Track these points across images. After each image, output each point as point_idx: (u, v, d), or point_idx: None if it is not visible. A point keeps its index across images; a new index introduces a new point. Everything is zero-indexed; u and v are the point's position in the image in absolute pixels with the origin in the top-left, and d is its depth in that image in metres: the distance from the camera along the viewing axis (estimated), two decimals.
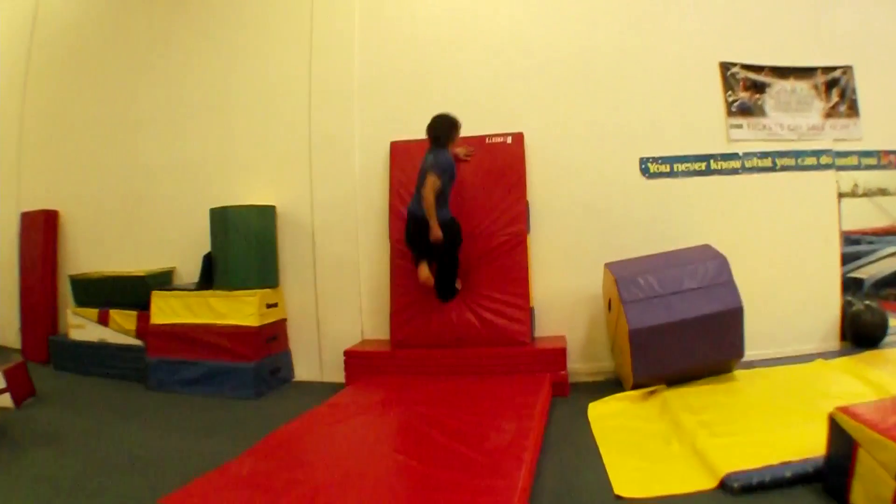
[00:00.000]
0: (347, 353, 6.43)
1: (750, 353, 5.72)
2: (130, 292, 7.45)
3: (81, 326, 7.81)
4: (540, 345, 6.22)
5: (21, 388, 6.43)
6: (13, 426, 5.63)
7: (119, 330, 7.52)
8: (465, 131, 6.47)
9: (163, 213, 7.93)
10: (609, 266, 6.03)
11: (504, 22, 6.99)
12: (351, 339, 6.89)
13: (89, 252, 8.42)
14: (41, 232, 8.43)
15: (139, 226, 8.10)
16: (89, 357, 7.74)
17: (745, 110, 6.70)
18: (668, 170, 6.66)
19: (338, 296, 7.10)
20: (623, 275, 5.67)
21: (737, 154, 6.67)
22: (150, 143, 8.03)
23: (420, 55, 7.07)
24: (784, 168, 6.69)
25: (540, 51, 6.87)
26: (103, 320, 7.64)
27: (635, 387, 5.49)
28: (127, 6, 8.33)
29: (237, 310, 6.71)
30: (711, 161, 6.67)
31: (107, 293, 7.70)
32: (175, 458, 4.67)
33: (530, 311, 6.38)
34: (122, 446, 5.01)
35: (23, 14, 8.99)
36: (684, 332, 5.29)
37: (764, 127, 6.72)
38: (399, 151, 6.93)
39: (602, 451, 4.36)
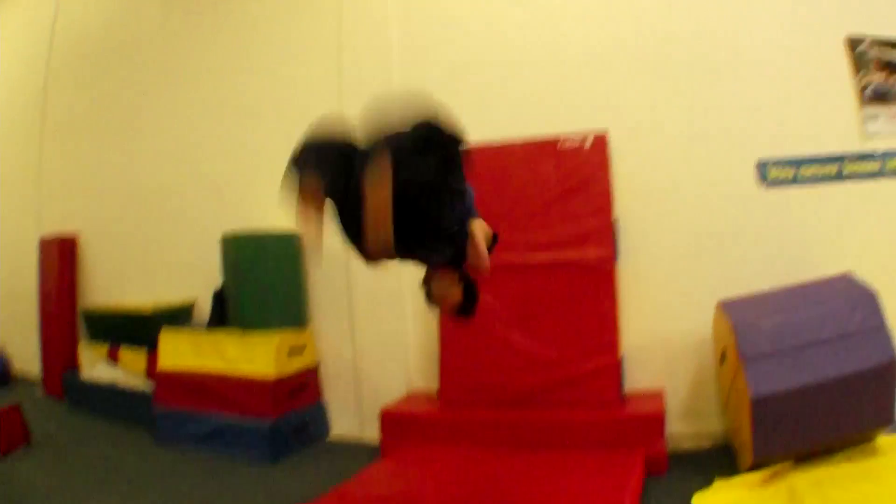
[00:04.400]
0: (385, 415, 4.74)
1: None
2: (141, 329, 5.92)
3: (93, 364, 6.38)
4: (631, 408, 4.48)
5: (10, 437, 5.20)
6: None
7: (129, 370, 6.02)
8: (531, 131, 4.89)
9: (186, 237, 6.48)
10: (723, 306, 4.32)
11: None
12: (395, 390, 5.23)
13: (109, 281, 7.08)
14: (58, 259, 7.10)
15: (161, 252, 6.70)
16: (100, 398, 6.30)
17: (881, 96, 4.92)
18: (792, 175, 4.87)
19: (379, 337, 5.44)
20: (742, 319, 4.05)
21: (873, 154, 4.83)
22: (169, 161, 6.69)
23: (475, 30, 5.40)
24: None
25: (628, 30, 5.10)
26: (113, 358, 6.18)
27: (754, 466, 3.93)
28: (146, 20, 7.04)
29: (251, 356, 5.07)
30: (844, 163, 4.84)
31: (118, 329, 6.22)
32: None
33: (619, 362, 4.57)
34: None
35: (40, 36, 7.88)
36: (821, 398, 3.79)
37: None
38: None
39: None
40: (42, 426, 5.72)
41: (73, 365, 6.89)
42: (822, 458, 3.87)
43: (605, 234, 4.67)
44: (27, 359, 7.73)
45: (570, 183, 4.77)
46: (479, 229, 2.87)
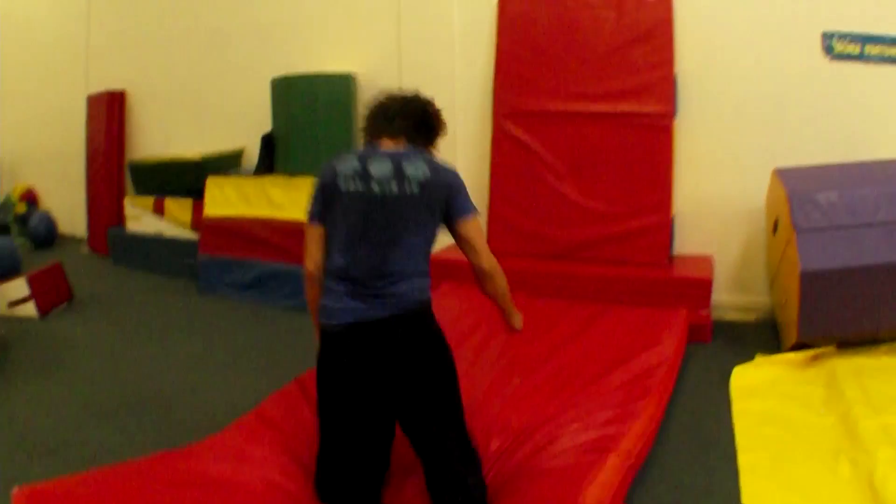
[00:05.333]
0: (432, 260, 4.57)
1: None
2: (188, 179, 5.85)
3: (137, 217, 6.35)
4: (679, 270, 4.35)
5: (52, 295, 5.14)
6: (22, 343, 4.41)
7: (174, 221, 6.01)
8: None
9: (235, 84, 6.31)
10: (779, 174, 4.09)
11: None
12: (443, 238, 5.07)
13: (158, 135, 6.94)
14: (105, 114, 6.93)
15: (210, 101, 6.53)
16: (144, 251, 6.31)
17: None
18: (857, 51, 4.54)
19: None
20: (798, 189, 3.80)
21: None
22: (217, 6, 6.41)
23: None
24: None
25: None
26: (158, 210, 6.14)
27: (797, 346, 3.79)
28: None
29: (297, 200, 4.96)
30: None
31: (164, 180, 6.16)
32: (177, 405, 3.46)
33: (670, 222, 4.43)
34: (125, 380, 3.80)
35: None
36: (871, 282, 3.59)
37: None
38: (510, 6, 4.90)
39: (741, 459, 2.78)
40: (85, 282, 5.70)
41: (118, 221, 6.87)
42: (866, 348, 3.74)
43: (664, 87, 4.43)
44: (74, 222, 7.74)
45: (631, 33, 4.50)
46: (476, 232, 2.35)
